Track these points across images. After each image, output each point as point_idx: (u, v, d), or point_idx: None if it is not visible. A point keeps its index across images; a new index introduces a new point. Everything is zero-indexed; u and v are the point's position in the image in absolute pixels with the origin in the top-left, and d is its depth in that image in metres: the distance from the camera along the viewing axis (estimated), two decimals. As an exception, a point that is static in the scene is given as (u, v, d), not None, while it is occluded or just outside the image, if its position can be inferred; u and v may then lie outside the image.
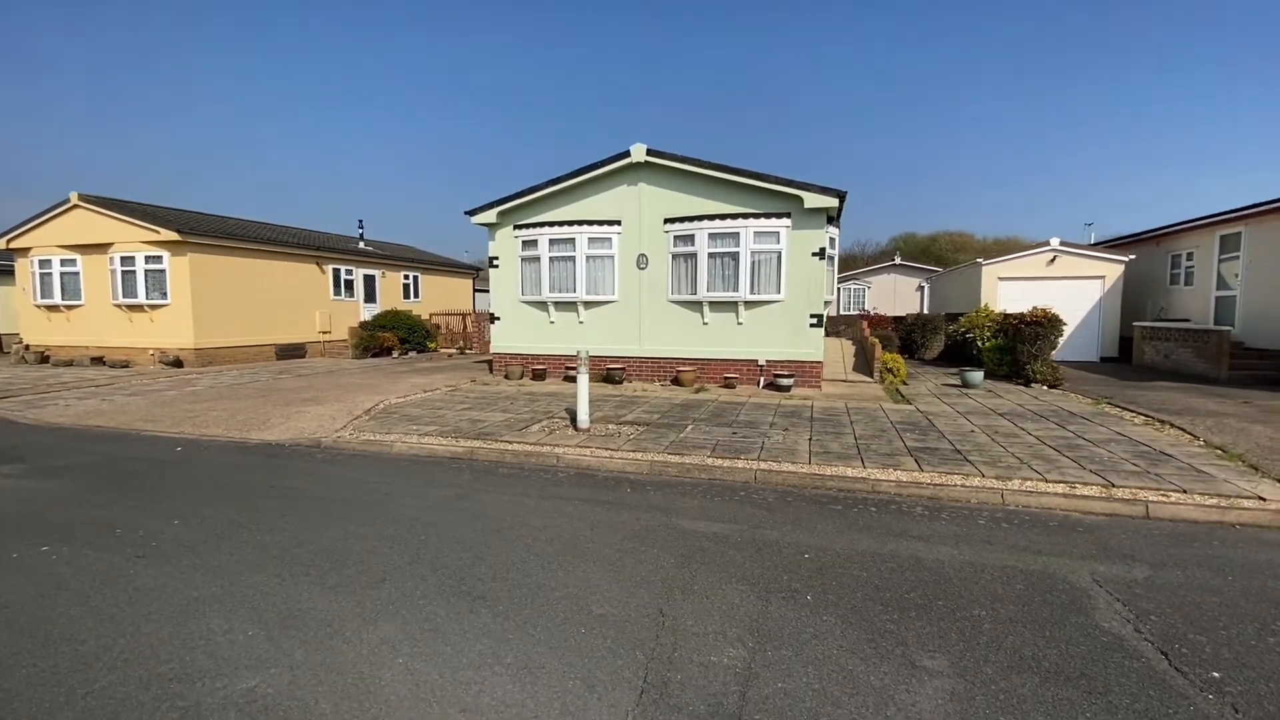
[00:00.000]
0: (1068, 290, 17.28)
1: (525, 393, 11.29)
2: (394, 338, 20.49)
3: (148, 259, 16.33)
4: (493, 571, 3.96)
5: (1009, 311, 15.58)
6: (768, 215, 11.56)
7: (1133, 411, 9.07)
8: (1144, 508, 5.19)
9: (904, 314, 23.67)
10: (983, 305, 16.90)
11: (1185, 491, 5.47)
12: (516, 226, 13.20)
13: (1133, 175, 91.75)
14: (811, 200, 11.13)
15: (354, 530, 4.73)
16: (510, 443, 7.37)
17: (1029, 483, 5.74)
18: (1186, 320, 15.30)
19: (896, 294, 36.52)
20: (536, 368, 13.03)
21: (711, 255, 11.87)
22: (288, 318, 18.96)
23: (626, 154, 12.01)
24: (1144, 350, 15.18)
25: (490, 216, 13.09)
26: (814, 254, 11.53)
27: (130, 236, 16.40)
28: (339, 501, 5.43)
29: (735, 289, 11.79)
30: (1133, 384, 12.17)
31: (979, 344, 15.41)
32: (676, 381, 12.20)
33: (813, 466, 6.29)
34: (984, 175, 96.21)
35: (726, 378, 11.81)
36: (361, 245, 23.27)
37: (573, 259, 12.72)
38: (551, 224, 12.81)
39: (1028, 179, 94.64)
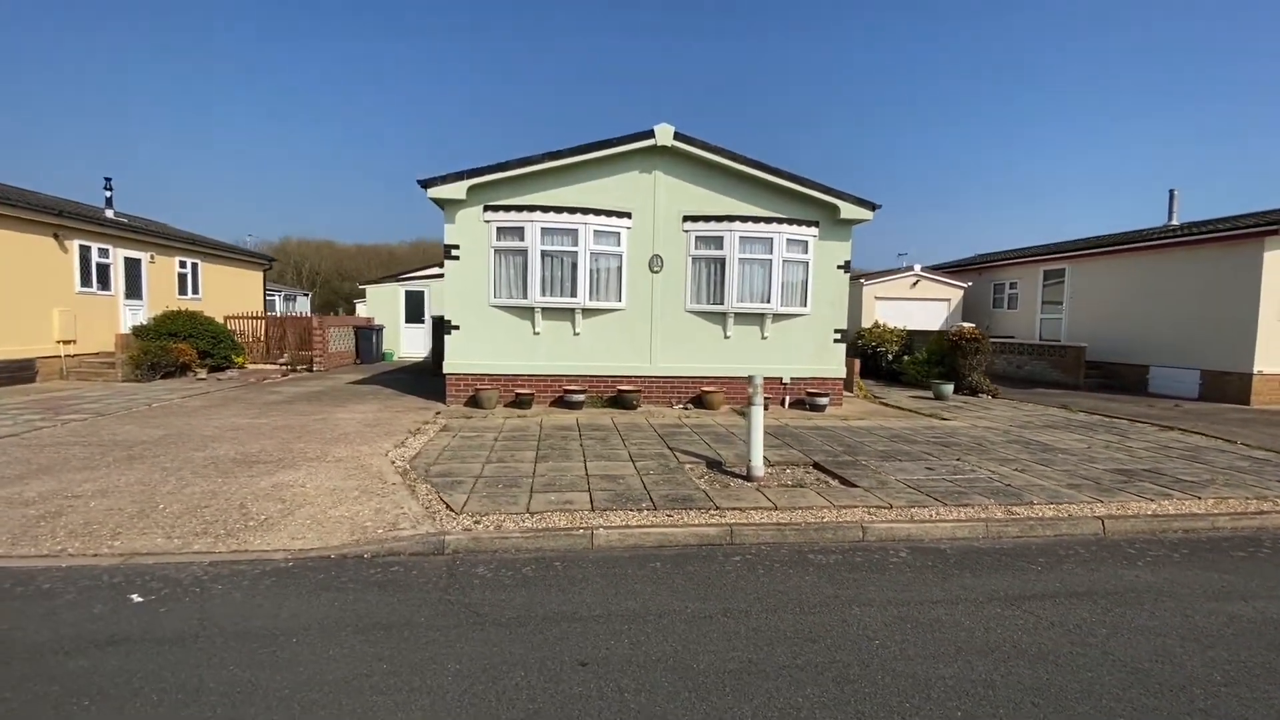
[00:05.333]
0: (925, 309, 20.03)
1: (553, 427, 8.53)
2: (192, 350, 14.38)
3: None
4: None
5: (912, 328, 17.37)
6: (798, 222, 10.74)
7: (1127, 420, 10.48)
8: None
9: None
10: (876, 321, 18.57)
11: (1381, 496, 6.18)
12: (488, 208, 10.08)
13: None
14: (848, 210, 10.65)
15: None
16: (746, 511, 5.19)
17: (1288, 501, 5.91)
18: (1012, 337, 18.85)
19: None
20: (521, 392, 10.07)
21: (742, 261, 10.57)
22: (2, 320, 11.84)
23: (649, 134, 10.02)
24: (994, 362, 18.21)
25: (456, 191, 9.75)
26: (839, 266, 11.08)
27: None
28: (797, 671, 2.96)
29: (766, 300, 10.69)
30: (1033, 391, 14.40)
31: (889, 357, 16.86)
32: (700, 404, 10.60)
33: (1114, 505, 5.63)
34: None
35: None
36: (110, 215, 15.90)
37: (573, 255, 10.17)
38: (545, 209, 10.06)
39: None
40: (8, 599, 3.59)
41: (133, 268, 15.36)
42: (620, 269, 10.44)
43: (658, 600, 3.74)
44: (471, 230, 10.11)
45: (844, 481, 6.23)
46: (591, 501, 5.30)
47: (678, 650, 3.16)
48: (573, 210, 10.11)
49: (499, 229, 10.12)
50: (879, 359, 17.14)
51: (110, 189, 16.01)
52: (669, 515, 5.02)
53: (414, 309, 20.81)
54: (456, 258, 10.11)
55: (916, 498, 5.67)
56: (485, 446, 7.32)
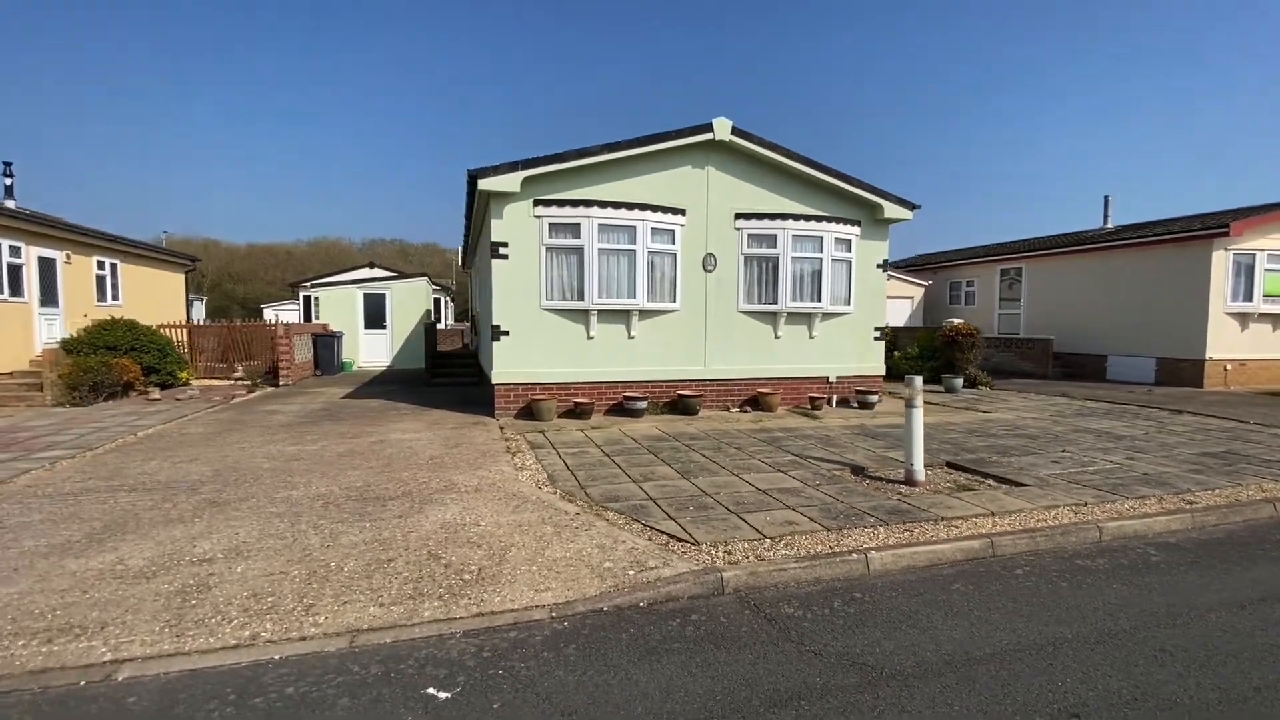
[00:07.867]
0: (892, 306, 20.94)
1: (645, 438, 7.93)
2: (136, 366, 12.24)
3: None
4: None
5: (895, 325, 18.08)
6: (842, 221, 10.76)
7: (1136, 406, 11.40)
8: None
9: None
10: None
11: None
12: (539, 203, 9.26)
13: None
14: (891, 210, 10.81)
15: None
16: (970, 519, 4.97)
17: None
18: (972, 331, 20.17)
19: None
20: (580, 401, 9.34)
21: (794, 260, 10.43)
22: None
23: (707, 127, 9.63)
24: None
25: (510, 183, 8.86)
26: (878, 265, 11.24)
27: None
28: None
29: (817, 299, 10.63)
30: (1011, 380, 15.41)
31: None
32: (756, 405, 10.37)
33: (1255, 488, 5.97)
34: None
35: (813, 398, 10.54)
36: (12, 206, 13.17)
37: (631, 254, 9.57)
38: (603, 204, 9.38)
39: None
40: (259, 718, 2.64)
41: (47, 269, 12.82)
42: (675, 268, 9.97)
43: (1018, 628, 3.43)
44: (522, 226, 9.24)
45: (1001, 480, 6.20)
46: (813, 520, 4.88)
47: (1138, 685, 2.86)
48: (630, 206, 9.51)
49: (551, 225, 9.32)
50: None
51: (10, 175, 13.27)
52: (908, 530, 4.71)
53: (374, 314, 19.01)
54: (505, 256, 9.20)
55: (1092, 494, 5.71)
56: (605, 463, 6.64)
